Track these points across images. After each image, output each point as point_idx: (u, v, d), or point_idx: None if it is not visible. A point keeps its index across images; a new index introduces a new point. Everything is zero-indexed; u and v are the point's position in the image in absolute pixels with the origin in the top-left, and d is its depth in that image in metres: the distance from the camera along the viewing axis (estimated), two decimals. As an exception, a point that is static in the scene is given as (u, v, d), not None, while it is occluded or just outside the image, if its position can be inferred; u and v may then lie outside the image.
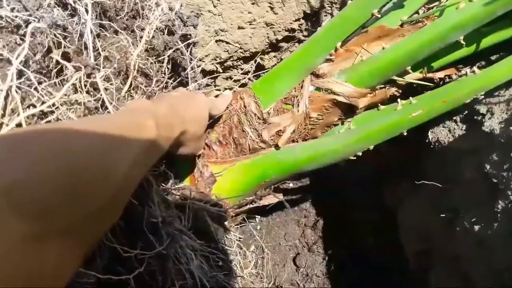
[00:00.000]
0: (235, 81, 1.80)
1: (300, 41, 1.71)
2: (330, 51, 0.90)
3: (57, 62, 0.64)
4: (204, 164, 0.97)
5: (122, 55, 0.78)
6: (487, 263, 0.74)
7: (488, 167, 0.75)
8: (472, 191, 0.80)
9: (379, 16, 0.83)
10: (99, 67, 0.69)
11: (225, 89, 1.80)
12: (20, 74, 0.57)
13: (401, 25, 0.88)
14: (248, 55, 1.69)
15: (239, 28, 1.60)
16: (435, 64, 0.92)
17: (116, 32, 0.84)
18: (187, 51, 1.06)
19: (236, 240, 1.31)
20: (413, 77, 0.90)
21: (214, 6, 1.52)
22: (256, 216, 1.50)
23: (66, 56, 0.66)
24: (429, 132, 0.96)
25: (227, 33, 1.60)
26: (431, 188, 0.86)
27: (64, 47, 0.66)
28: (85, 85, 0.68)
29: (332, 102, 0.90)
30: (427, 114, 0.84)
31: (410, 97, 0.89)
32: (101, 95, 0.70)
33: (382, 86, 0.91)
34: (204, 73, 1.68)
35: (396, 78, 0.88)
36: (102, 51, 0.72)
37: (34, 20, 0.62)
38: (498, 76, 0.85)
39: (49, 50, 0.63)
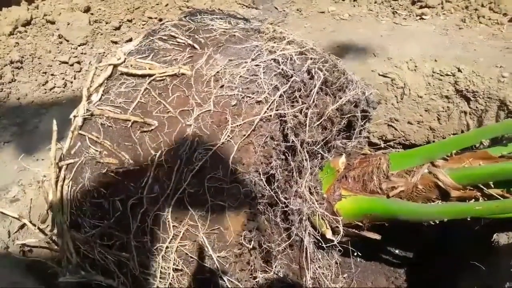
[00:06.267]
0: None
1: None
2: (447, 154, 1.37)
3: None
4: (338, 187, 1.53)
5: (323, 106, 1.42)
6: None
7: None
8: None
9: (486, 145, 1.27)
10: (311, 107, 1.34)
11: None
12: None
13: (500, 156, 1.28)
14: (408, 144, 2.18)
15: (409, 123, 2.12)
16: (513, 188, 1.28)
17: (326, 94, 1.49)
18: (361, 121, 1.65)
19: (336, 259, 1.78)
20: (494, 191, 1.27)
21: (397, 102, 2.09)
22: (359, 255, 1.94)
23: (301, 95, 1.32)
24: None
25: (398, 123, 2.14)
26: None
27: (299, 90, 1.32)
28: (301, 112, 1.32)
29: (434, 183, 1.35)
30: (487, 211, 1.21)
31: (481, 199, 1.27)
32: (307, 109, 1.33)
33: (471, 188, 1.31)
34: (369, 143, 2.24)
35: (482, 187, 1.28)
36: (315, 100, 1.37)
37: (295, 76, 1.30)
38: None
39: (295, 90, 1.30)
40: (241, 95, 1.22)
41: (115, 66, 1.36)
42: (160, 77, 1.30)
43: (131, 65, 1.36)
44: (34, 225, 1.53)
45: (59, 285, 1.31)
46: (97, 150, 1.23)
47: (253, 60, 1.32)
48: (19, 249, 1.54)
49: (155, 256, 1.15)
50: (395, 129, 2.16)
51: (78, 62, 2.44)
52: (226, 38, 1.44)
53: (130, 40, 2.67)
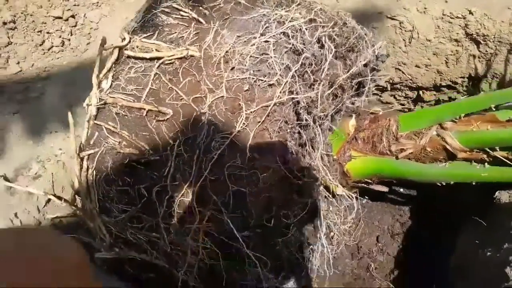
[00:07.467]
0: (397, 100, 2.32)
1: (458, 92, 2.12)
2: (456, 117, 1.40)
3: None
4: (348, 148, 1.58)
5: (334, 74, 1.41)
6: None
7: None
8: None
9: (494, 109, 1.29)
10: (322, 81, 1.33)
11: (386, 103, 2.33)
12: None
13: (508, 121, 1.31)
14: (414, 86, 2.18)
15: (416, 66, 2.09)
16: (518, 152, 1.33)
17: (336, 58, 1.47)
18: (371, 78, 1.63)
19: (345, 204, 1.90)
20: (499, 154, 1.33)
21: (405, 46, 2.05)
22: (366, 197, 2.06)
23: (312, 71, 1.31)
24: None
25: (406, 66, 2.12)
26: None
27: (310, 65, 1.31)
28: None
29: (442, 146, 1.40)
30: (492, 177, 1.28)
31: (486, 164, 1.34)
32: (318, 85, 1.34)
33: (478, 151, 1.36)
34: (377, 87, 2.24)
35: (488, 150, 1.33)
36: (327, 71, 1.36)
37: (306, 51, 1.28)
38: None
39: (306, 66, 1.29)
40: (253, 78, 1.21)
41: (121, 48, 1.33)
42: (169, 60, 1.28)
43: (137, 46, 1.32)
44: (60, 198, 1.62)
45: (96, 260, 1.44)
46: (116, 141, 1.26)
47: (262, 35, 1.28)
48: (50, 222, 1.65)
49: (184, 236, 1.25)
50: (403, 72, 2.14)
51: (73, 16, 2.33)
52: (231, 6, 1.38)
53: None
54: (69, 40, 2.27)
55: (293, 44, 1.28)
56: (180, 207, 1.23)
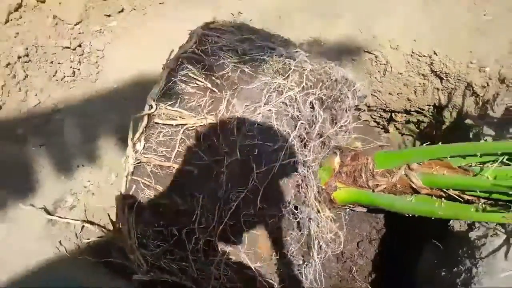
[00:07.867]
0: (375, 121, 2.67)
1: (425, 116, 2.48)
2: (421, 161, 1.76)
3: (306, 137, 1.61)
4: (334, 181, 1.93)
5: (324, 130, 1.73)
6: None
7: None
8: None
9: (448, 158, 1.66)
10: (315, 139, 1.65)
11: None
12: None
13: (459, 167, 1.68)
14: (388, 109, 2.53)
15: (389, 94, 2.43)
16: (466, 192, 1.70)
17: (323, 111, 1.78)
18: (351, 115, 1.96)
19: (332, 218, 2.27)
20: (452, 192, 1.70)
21: (380, 77, 2.38)
22: (347, 210, 2.43)
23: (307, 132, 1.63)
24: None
25: (380, 93, 2.45)
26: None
27: (305, 129, 1.63)
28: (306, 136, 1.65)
29: (408, 184, 1.77)
30: (446, 215, 1.66)
31: (443, 201, 1.71)
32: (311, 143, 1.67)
33: (437, 189, 1.73)
34: (356, 108, 2.58)
35: (444, 189, 1.70)
36: (318, 129, 1.68)
37: (301, 117, 1.59)
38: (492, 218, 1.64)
39: (301, 130, 1.61)
40: (260, 143, 1.53)
41: (149, 115, 1.61)
42: (191, 127, 1.57)
43: (163, 113, 1.61)
44: (94, 224, 1.93)
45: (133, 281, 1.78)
46: (151, 193, 1.57)
47: (265, 104, 1.59)
48: (86, 245, 1.97)
49: (209, 266, 1.60)
50: (378, 98, 2.48)
51: (79, 45, 2.55)
52: (238, 75, 1.66)
53: (122, 11, 2.71)
54: (79, 70, 2.50)
55: (291, 113, 1.59)
56: (205, 244, 1.56)
